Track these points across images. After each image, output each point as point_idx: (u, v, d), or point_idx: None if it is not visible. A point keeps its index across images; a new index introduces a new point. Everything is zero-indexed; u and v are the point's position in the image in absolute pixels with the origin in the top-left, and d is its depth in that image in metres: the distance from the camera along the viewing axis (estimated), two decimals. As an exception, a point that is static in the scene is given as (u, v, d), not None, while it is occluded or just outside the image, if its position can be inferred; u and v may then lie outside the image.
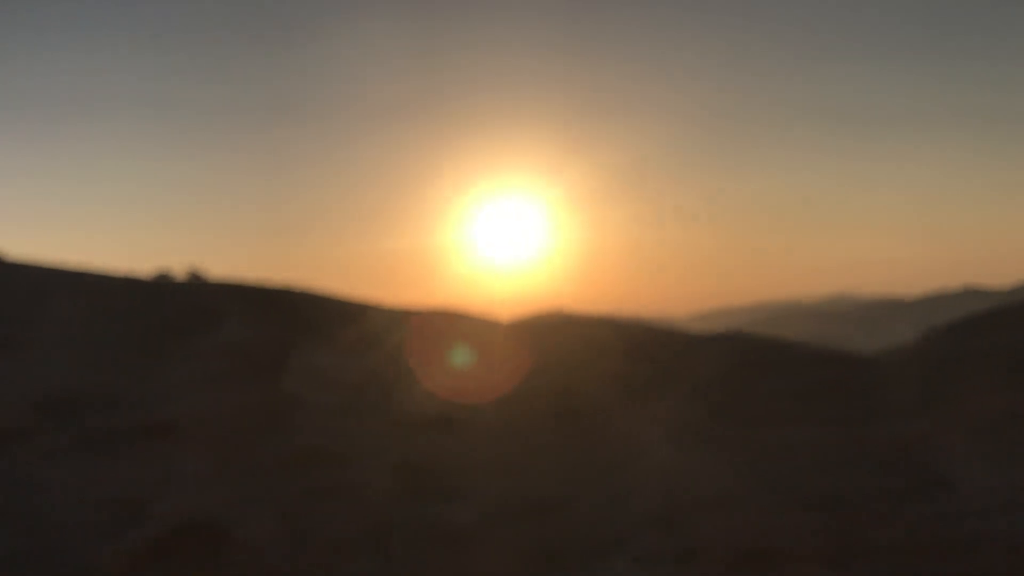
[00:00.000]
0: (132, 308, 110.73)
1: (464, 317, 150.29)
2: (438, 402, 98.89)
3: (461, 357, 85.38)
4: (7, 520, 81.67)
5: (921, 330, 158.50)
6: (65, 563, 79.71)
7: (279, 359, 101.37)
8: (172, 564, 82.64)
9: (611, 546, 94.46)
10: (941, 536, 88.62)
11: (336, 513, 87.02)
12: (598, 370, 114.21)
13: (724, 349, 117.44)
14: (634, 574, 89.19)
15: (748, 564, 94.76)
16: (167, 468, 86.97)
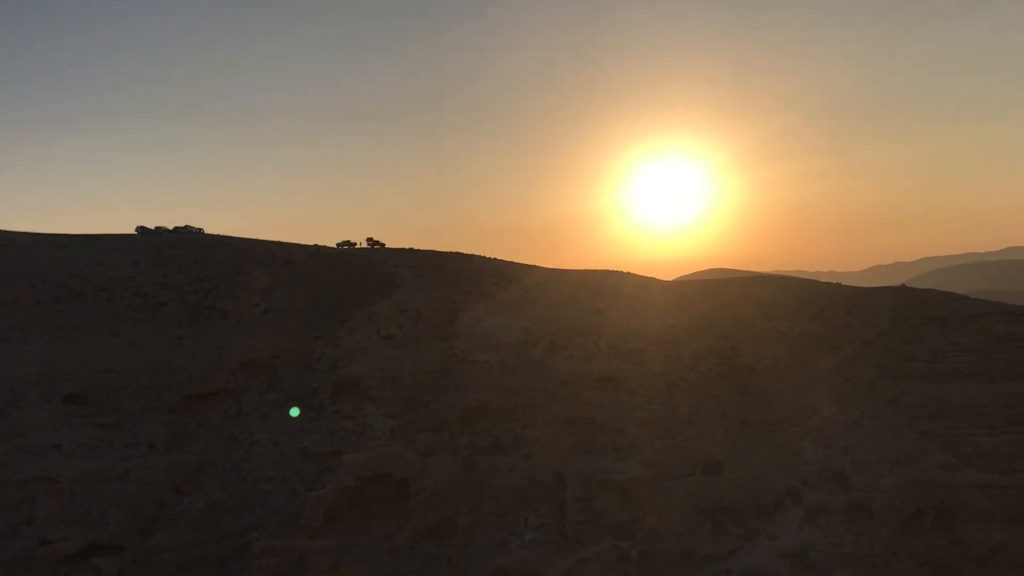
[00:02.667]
0: (319, 276, 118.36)
1: (626, 276, 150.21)
2: (602, 360, 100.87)
3: (296, 412, 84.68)
4: (219, 472, 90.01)
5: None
6: (270, 510, 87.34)
7: (449, 320, 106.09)
8: (364, 511, 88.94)
9: (782, 501, 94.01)
10: None
11: (511, 465, 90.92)
12: (764, 328, 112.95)
13: (895, 304, 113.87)
14: (806, 528, 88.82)
15: (922, 522, 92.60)
16: (357, 423, 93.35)
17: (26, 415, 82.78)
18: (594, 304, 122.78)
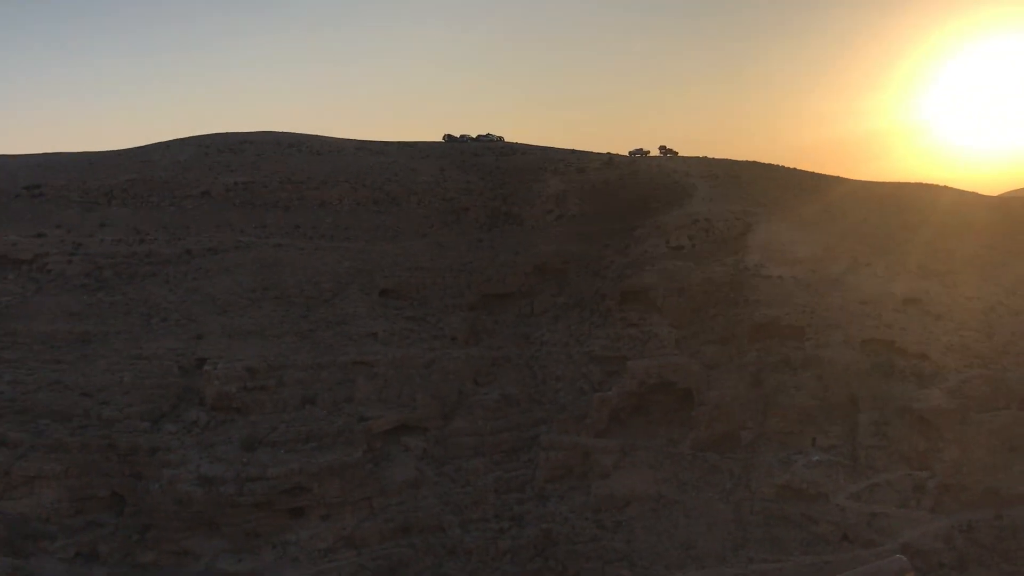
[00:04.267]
0: (611, 184, 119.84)
1: (942, 190, 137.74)
2: (908, 280, 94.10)
3: None
4: (512, 367, 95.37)
5: None
6: (558, 407, 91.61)
7: (742, 232, 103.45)
8: (647, 417, 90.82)
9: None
10: None
11: (800, 384, 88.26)
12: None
13: None
14: None
15: None
16: (642, 331, 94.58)
17: (348, 305, 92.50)
18: (903, 220, 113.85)
